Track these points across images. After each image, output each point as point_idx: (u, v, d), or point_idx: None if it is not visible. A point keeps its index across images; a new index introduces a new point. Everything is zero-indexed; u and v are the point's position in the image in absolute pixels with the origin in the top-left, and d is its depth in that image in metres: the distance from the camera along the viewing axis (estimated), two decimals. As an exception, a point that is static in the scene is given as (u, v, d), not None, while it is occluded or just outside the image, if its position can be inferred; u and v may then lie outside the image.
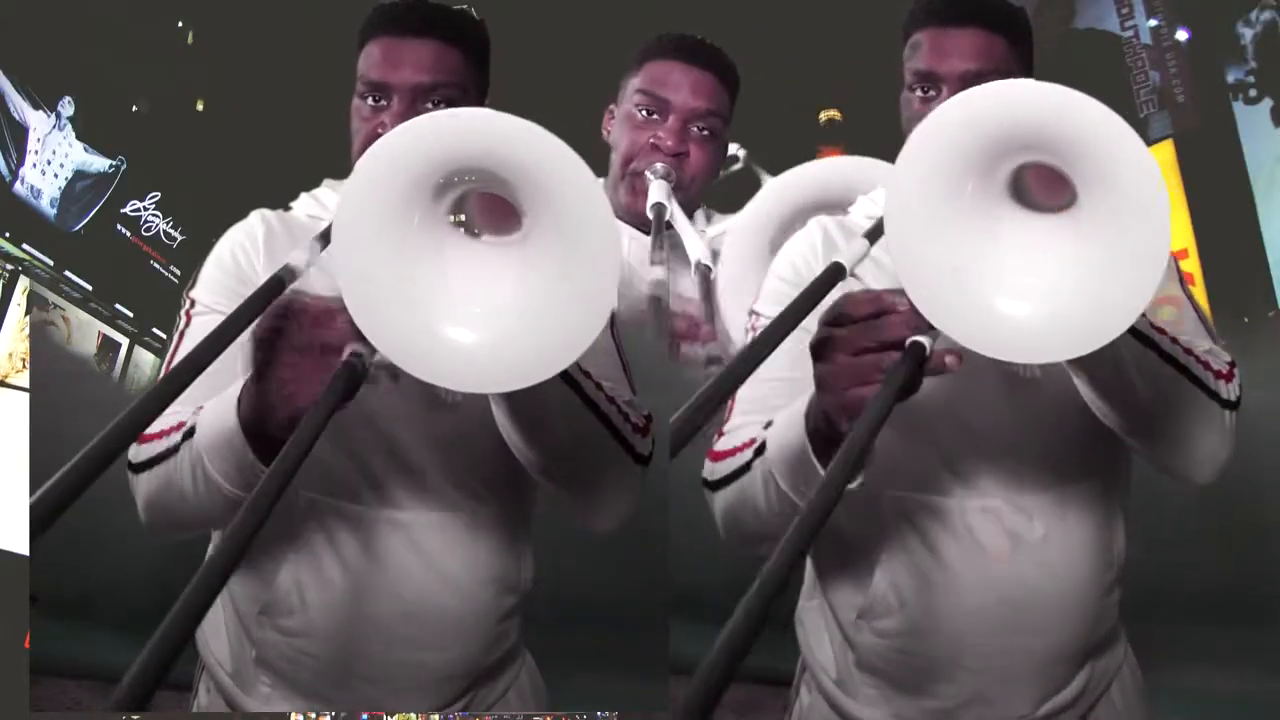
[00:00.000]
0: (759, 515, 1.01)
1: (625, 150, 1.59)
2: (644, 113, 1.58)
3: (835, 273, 0.87)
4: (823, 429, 0.88)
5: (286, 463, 0.71)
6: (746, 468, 1.02)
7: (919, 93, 1.14)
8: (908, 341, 0.80)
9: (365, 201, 0.78)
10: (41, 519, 0.59)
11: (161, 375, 0.81)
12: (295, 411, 0.84)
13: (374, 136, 0.98)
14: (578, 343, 0.77)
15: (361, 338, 0.80)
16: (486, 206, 0.82)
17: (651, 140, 1.58)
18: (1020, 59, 1.14)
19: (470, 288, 0.80)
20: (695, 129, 1.57)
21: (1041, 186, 0.82)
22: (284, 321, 0.86)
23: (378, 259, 0.79)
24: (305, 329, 0.85)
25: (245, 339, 0.86)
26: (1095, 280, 0.77)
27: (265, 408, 0.88)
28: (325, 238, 0.90)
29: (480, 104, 1.17)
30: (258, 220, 1.20)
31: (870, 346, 0.82)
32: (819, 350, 0.86)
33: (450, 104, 1.09)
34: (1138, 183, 0.74)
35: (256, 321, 0.85)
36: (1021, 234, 0.81)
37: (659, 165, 1.54)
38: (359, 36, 1.16)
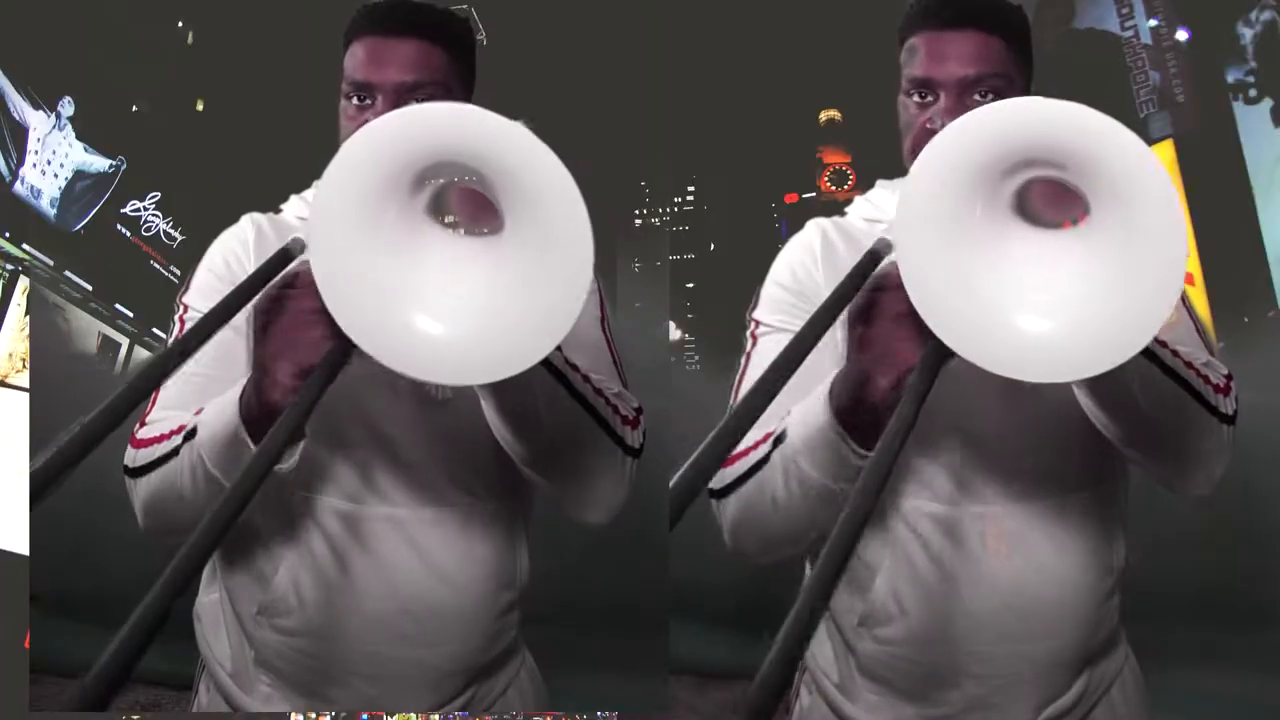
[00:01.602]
0: (777, 507, 1.01)
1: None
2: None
3: (872, 261, 0.90)
4: (849, 400, 0.90)
5: (285, 426, 0.74)
6: (765, 460, 1.02)
7: (915, 98, 1.13)
8: None
9: (343, 189, 0.79)
10: (42, 483, 0.59)
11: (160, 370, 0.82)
12: (296, 370, 0.88)
13: None
14: (546, 340, 0.77)
15: None
16: (467, 200, 0.82)
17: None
18: (1018, 59, 1.13)
19: (444, 280, 0.81)
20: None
21: (1047, 202, 0.81)
22: (285, 292, 0.89)
23: (352, 246, 0.79)
24: (304, 298, 0.87)
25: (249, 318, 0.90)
26: (1112, 296, 0.76)
27: (267, 370, 0.90)
28: None
29: (465, 101, 1.18)
30: (248, 224, 1.21)
31: (911, 311, 0.84)
32: (861, 315, 0.88)
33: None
34: (1151, 197, 0.73)
35: (260, 293, 0.89)
36: (1033, 251, 0.81)
37: None
38: (344, 37, 1.17)
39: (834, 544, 0.59)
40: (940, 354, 0.81)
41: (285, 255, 0.90)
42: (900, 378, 0.85)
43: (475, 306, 0.79)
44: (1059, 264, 0.79)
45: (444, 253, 0.81)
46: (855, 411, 0.91)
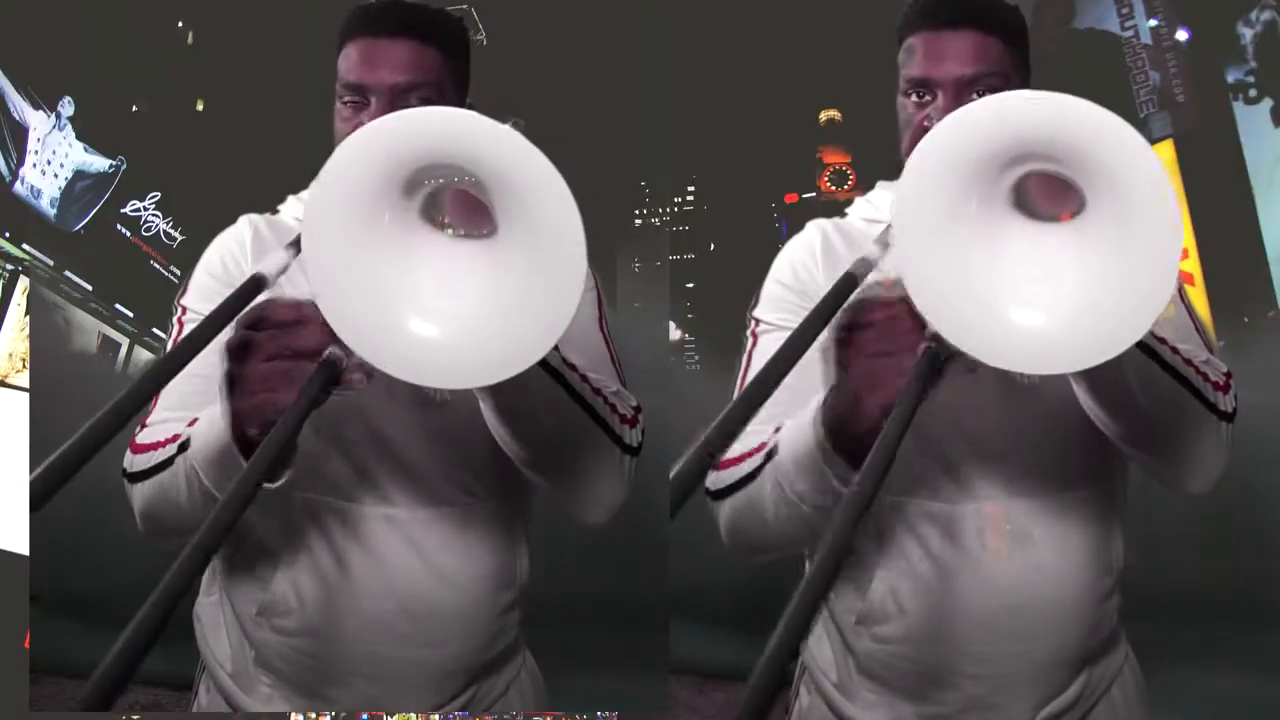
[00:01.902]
0: (765, 524, 1.00)
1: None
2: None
3: (848, 285, 0.84)
4: (842, 416, 0.86)
5: (260, 464, 0.70)
6: (754, 474, 1.01)
7: (914, 98, 1.13)
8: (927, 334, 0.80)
9: (337, 192, 0.79)
10: (41, 492, 0.59)
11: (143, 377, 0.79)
12: (270, 420, 0.82)
13: None
14: (540, 342, 0.77)
15: (337, 340, 0.80)
16: (462, 203, 0.82)
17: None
18: (1016, 59, 1.13)
19: (439, 283, 0.81)
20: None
21: (1044, 194, 0.81)
22: (253, 333, 0.85)
23: (347, 250, 0.79)
24: (278, 337, 0.84)
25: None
26: (1107, 290, 0.76)
27: (241, 419, 0.86)
28: (297, 245, 0.88)
29: (460, 102, 1.18)
30: (245, 225, 1.20)
31: (888, 350, 0.82)
32: (838, 358, 0.85)
33: (428, 104, 1.09)
34: (1146, 191, 0.73)
35: (229, 333, 0.84)
36: (1030, 244, 0.81)
37: None
38: (338, 39, 1.16)
39: (816, 570, 0.57)
40: (925, 387, 0.77)
41: (256, 285, 0.84)
42: (890, 405, 0.78)
43: (470, 309, 0.79)
44: (1055, 257, 0.79)
45: (438, 255, 0.81)
46: (842, 435, 0.87)
